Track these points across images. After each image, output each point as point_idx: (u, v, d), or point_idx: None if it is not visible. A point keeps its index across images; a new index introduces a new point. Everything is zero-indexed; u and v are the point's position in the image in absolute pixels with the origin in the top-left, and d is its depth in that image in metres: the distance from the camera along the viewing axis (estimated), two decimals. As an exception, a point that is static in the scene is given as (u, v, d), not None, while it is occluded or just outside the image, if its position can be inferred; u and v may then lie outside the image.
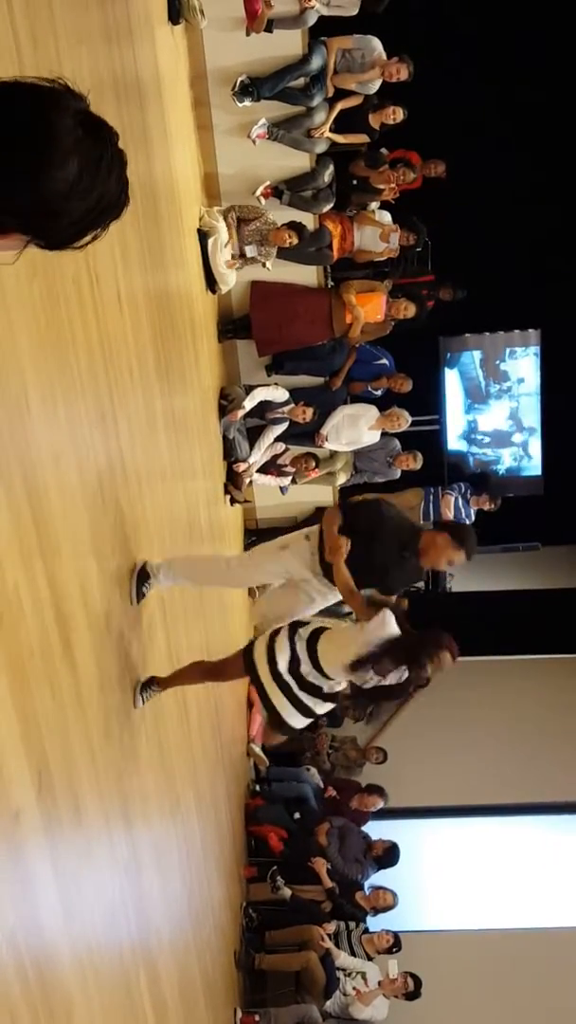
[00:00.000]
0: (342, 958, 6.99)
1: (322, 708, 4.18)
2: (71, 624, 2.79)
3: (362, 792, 8.37)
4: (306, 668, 4.01)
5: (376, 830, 8.24)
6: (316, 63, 7.32)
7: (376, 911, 7.57)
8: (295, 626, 4.16)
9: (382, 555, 4.27)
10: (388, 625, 3.94)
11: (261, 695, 4.11)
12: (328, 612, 4.80)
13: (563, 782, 9.31)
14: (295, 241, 7.47)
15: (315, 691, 4.05)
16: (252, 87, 7.22)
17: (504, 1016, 7.77)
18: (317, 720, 4.76)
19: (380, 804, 8.28)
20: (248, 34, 7.01)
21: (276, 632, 4.15)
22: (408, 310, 8.20)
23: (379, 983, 6.94)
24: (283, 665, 4.02)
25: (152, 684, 3.93)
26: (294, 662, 4.02)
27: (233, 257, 7.37)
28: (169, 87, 5.92)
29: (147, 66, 5.12)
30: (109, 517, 3.48)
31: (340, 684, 4.06)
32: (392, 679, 3.96)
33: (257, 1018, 6.25)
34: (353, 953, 7.17)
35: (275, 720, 4.13)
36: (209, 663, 4.50)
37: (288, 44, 7.23)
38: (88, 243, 1.48)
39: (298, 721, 4.15)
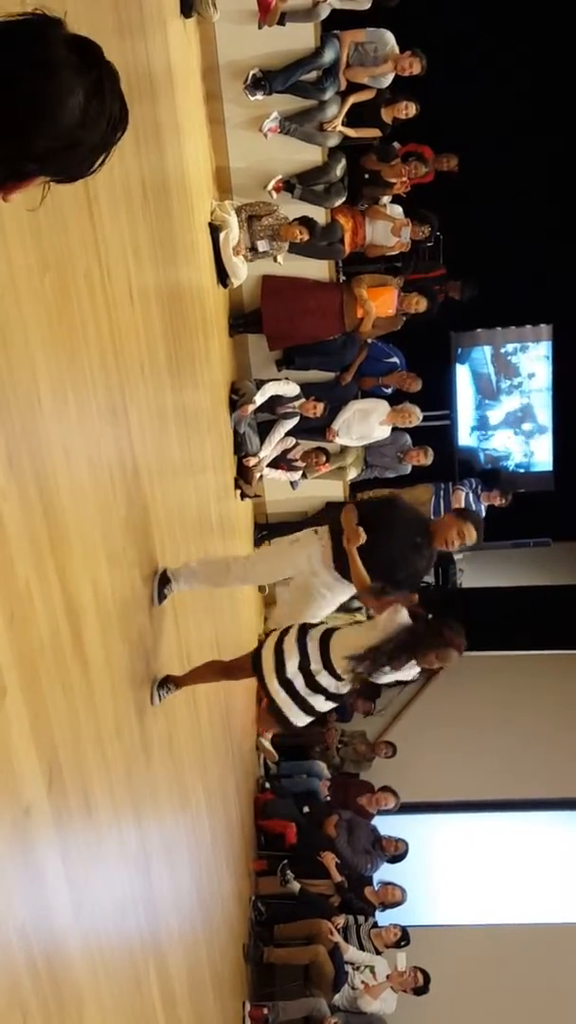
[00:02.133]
0: (351, 952, 7.00)
1: (325, 707, 4.18)
2: (82, 620, 2.79)
3: (373, 792, 8.37)
4: (316, 667, 4.01)
5: (385, 824, 8.25)
6: (329, 57, 7.30)
7: (385, 906, 7.59)
8: (305, 627, 4.16)
9: (397, 548, 4.28)
10: (400, 618, 3.94)
11: (267, 695, 4.12)
12: (340, 607, 4.79)
13: (572, 778, 9.30)
14: (306, 237, 7.47)
15: (321, 691, 4.05)
16: (264, 81, 7.21)
17: (512, 1011, 7.77)
18: (322, 717, 4.75)
19: (392, 803, 8.28)
20: (260, 27, 6.99)
21: (285, 632, 4.15)
22: (419, 304, 8.19)
23: (387, 976, 6.96)
24: (292, 668, 4.02)
25: (168, 682, 3.96)
26: (304, 661, 4.02)
27: (245, 250, 7.37)
28: (181, 81, 5.91)
29: (159, 60, 5.12)
30: (120, 512, 3.48)
31: (347, 686, 4.05)
32: (404, 673, 3.96)
33: (266, 1011, 6.27)
34: (361, 947, 7.18)
35: (279, 718, 4.13)
36: (222, 663, 4.53)
37: (300, 37, 7.22)
38: (101, 165, 1.44)
39: (301, 720, 4.14)
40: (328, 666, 4.00)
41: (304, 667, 4.02)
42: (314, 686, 4.03)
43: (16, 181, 1.34)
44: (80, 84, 1.32)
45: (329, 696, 4.09)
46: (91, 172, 1.44)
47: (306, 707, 4.10)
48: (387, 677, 3.99)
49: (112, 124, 1.39)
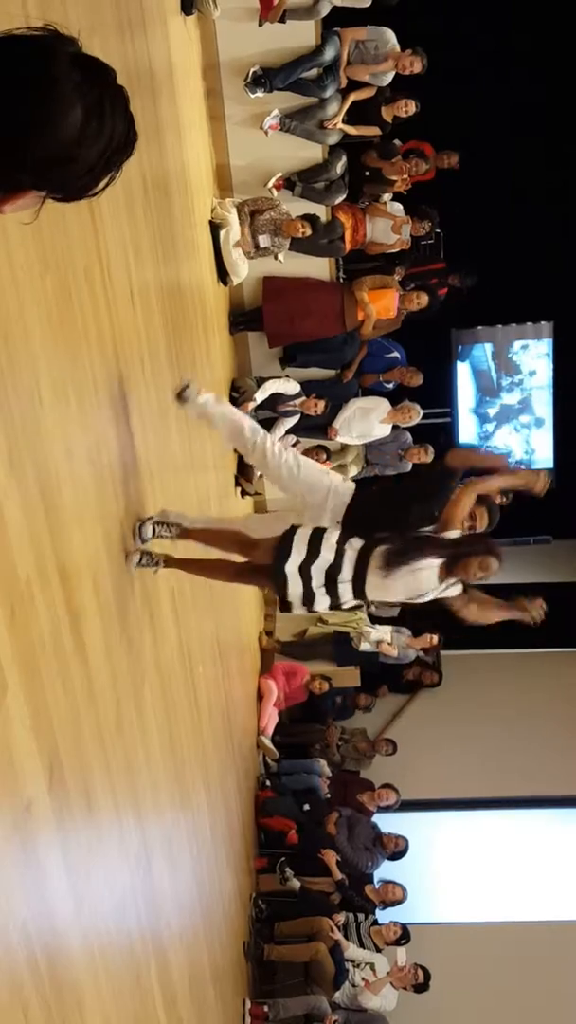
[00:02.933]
0: (351, 949, 7.01)
1: (323, 606, 4.05)
2: (82, 617, 2.79)
3: (373, 789, 8.38)
4: (344, 577, 3.90)
5: (385, 822, 8.26)
6: (329, 54, 7.29)
7: (385, 905, 7.60)
8: (348, 535, 4.02)
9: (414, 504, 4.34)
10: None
11: (277, 577, 3.95)
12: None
13: (572, 776, 9.30)
14: (308, 232, 7.47)
15: (335, 597, 3.95)
16: (265, 78, 7.20)
17: (513, 1009, 7.78)
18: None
19: (393, 800, 8.29)
20: (261, 24, 6.99)
21: (321, 529, 4.04)
22: (420, 300, 8.19)
23: (388, 972, 6.96)
24: (319, 566, 3.90)
25: (156, 558, 3.85)
26: (335, 568, 3.91)
27: (248, 245, 7.36)
28: (182, 78, 5.91)
29: (160, 57, 5.11)
30: (121, 510, 3.48)
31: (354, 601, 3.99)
32: (444, 589, 3.94)
33: (266, 1008, 6.27)
34: (362, 944, 7.19)
35: (278, 585, 3.98)
36: (235, 564, 4.24)
37: (301, 35, 7.21)
38: (105, 188, 1.44)
39: (296, 601, 4.02)
40: (358, 580, 3.90)
41: (331, 572, 3.91)
42: (332, 592, 3.94)
43: (9, 193, 1.34)
44: (80, 102, 1.32)
45: (335, 604, 4.00)
46: (92, 193, 1.43)
47: (308, 598, 3.99)
48: (429, 594, 3.96)
49: (114, 146, 1.39)
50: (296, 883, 7.16)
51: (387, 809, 8.35)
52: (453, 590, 4.03)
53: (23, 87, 1.29)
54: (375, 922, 7.39)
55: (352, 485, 4.67)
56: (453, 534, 4.14)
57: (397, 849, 7.92)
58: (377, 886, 7.67)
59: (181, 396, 4.57)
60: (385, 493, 4.49)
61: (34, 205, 1.39)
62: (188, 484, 5.22)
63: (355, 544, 3.96)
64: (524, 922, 8.50)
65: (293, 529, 4.03)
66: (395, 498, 4.77)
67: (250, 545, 4.15)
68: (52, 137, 1.31)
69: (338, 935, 6.91)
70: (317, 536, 3.98)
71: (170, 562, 3.99)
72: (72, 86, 1.32)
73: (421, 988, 6.92)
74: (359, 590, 3.93)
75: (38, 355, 2.53)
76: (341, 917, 7.17)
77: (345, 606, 4.05)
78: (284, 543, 3.96)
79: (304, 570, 3.91)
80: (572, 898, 8.74)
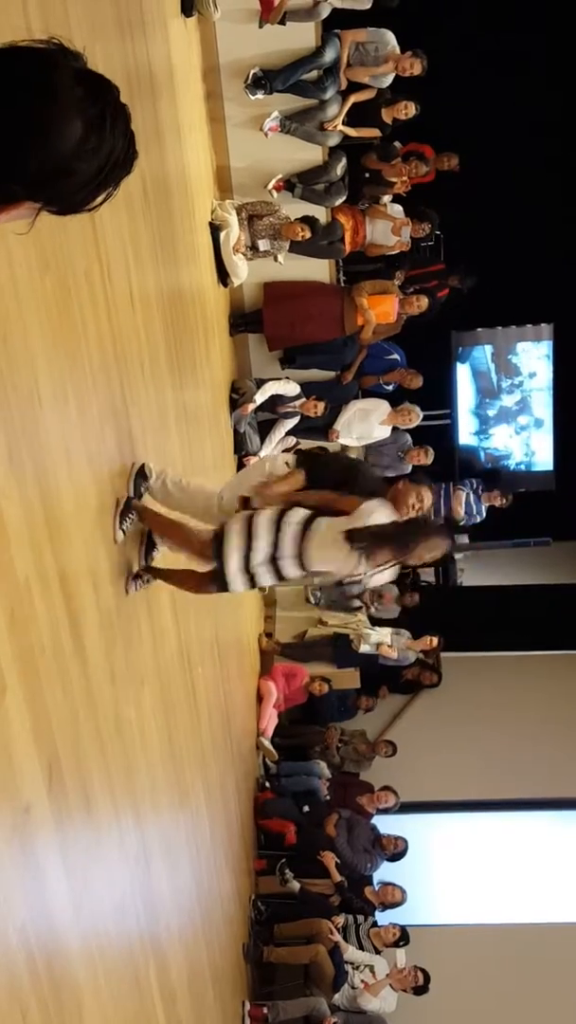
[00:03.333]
0: (350, 951, 7.00)
1: (269, 582, 3.97)
2: (81, 618, 2.79)
3: (372, 791, 8.38)
4: (287, 552, 3.80)
5: (385, 824, 8.25)
6: (329, 56, 7.30)
7: (385, 907, 7.59)
8: (284, 512, 3.90)
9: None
10: (383, 510, 3.88)
11: (220, 581, 3.86)
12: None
13: (571, 778, 9.30)
14: (308, 235, 7.47)
15: (278, 573, 3.86)
16: (265, 80, 7.21)
17: (512, 1011, 7.77)
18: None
19: (392, 802, 8.28)
20: (261, 26, 6.99)
21: (253, 515, 3.91)
22: (420, 303, 8.20)
23: (388, 974, 6.96)
24: (260, 557, 3.80)
25: (145, 573, 3.78)
26: (275, 547, 3.80)
27: (245, 248, 7.36)
28: (182, 80, 5.91)
29: (160, 59, 5.12)
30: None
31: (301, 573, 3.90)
32: (383, 575, 3.88)
33: (265, 1010, 6.27)
34: (361, 947, 7.18)
35: (219, 582, 3.90)
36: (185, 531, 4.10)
37: (301, 37, 7.22)
38: (101, 204, 1.45)
39: (240, 587, 3.95)
40: (300, 556, 3.80)
41: (272, 552, 3.81)
42: (275, 570, 3.84)
43: (3, 203, 1.34)
44: (80, 115, 1.33)
45: (280, 579, 3.91)
46: (88, 208, 1.44)
47: (252, 582, 3.92)
48: (370, 581, 3.91)
49: (113, 163, 1.40)
50: (296, 885, 7.16)
51: (386, 811, 8.34)
52: (386, 574, 3.94)
53: (24, 98, 1.29)
54: (374, 924, 7.38)
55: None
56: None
57: (396, 850, 7.92)
58: (376, 888, 7.67)
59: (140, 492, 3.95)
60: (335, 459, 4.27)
61: (29, 216, 1.39)
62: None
63: (293, 518, 3.85)
64: (523, 924, 8.49)
65: (222, 528, 3.90)
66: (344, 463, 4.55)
67: (200, 547, 4.00)
68: (50, 149, 1.31)
69: (337, 937, 6.90)
70: (248, 522, 3.86)
71: (156, 574, 3.92)
72: (73, 100, 1.32)
73: (420, 990, 6.91)
74: (302, 564, 3.83)
75: (37, 355, 2.53)
76: (341, 919, 7.16)
77: (291, 581, 3.96)
78: (217, 544, 3.84)
79: (245, 564, 3.81)
80: (571, 900, 8.74)
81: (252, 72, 7.20)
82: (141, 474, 3.84)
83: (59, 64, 1.34)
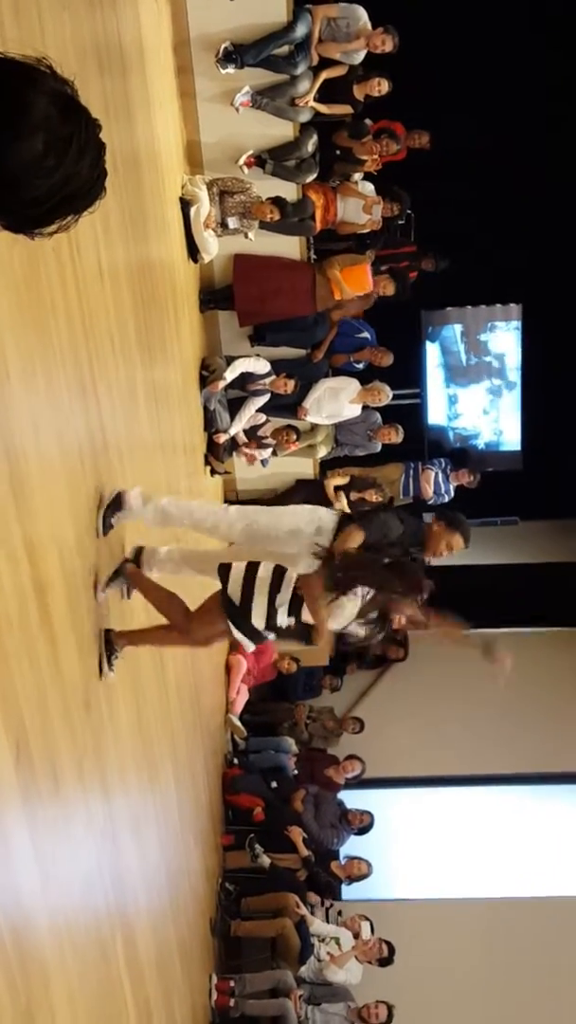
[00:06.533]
0: (316, 924, 7.08)
1: (261, 626, 4.06)
2: (49, 594, 2.79)
3: (338, 763, 8.46)
4: (282, 599, 3.94)
5: (352, 799, 8.33)
6: (301, 31, 7.24)
7: (351, 880, 7.69)
8: (281, 573, 4.01)
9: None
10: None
11: (246, 633, 4.02)
12: None
13: (535, 753, 9.41)
14: (276, 217, 7.46)
15: (272, 618, 3.97)
16: (236, 54, 7.14)
17: (479, 984, 7.89)
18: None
19: (358, 769, 8.40)
20: None
21: (254, 570, 4.01)
22: (387, 288, 8.21)
23: (353, 946, 7.04)
24: (259, 623, 3.95)
25: (115, 646, 3.72)
26: (273, 589, 3.94)
27: (215, 224, 7.32)
28: (152, 54, 5.85)
29: (130, 32, 5.06)
30: (88, 488, 3.47)
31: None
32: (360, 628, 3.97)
33: (232, 983, 6.33)
34: (328, 920, 7.26)
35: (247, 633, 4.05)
36: (180, 625, 4.21)
37: (273, 11, 7.15)
38: (55, 232, 1.45)
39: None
40: (294, 601, 3.94)
41: (271, 592, 3.94)
42: (271, 612, 3.96)
43: None
44: (45, 134, 1.34)
45: (270, 626, 4.01)
46: (39, 230, 1.43)
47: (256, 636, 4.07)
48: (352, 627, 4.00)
49: (70, 191, 1.39)
50: (266, 860, 7.21)
51: (354, 779, 8.45)
52: (364, 628, 4.04)
53: None
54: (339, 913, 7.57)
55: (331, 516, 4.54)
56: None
57: (363, 824, 8.01)
58: (343, 862, 7.75)
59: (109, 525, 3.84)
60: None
61: None
62: (157, 461, 5.21)
63: (291, 579, 3.97)
64: (490, 898, 8.61)
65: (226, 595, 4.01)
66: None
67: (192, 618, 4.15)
68: (2, 156, 1.32)
69: (304, 910, 6.97)
70: (252, 573, 3.98)
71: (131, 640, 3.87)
72: (42, 117, 1.34)
73: (385, 962, 7.01)
74: (295, 611, 3.96)
75: (5, 330, 2.51)
76: (314, 899, 7.27)
77: (281, 626, 4.03)
78: (235, 606, 3.96)
79: (270, 616, 3.94)
80: (539, 875, 8.87)
81: (223, 46, 7.13)
82: (115, 504, 3.75)
83: (38, 81, 1.35)
